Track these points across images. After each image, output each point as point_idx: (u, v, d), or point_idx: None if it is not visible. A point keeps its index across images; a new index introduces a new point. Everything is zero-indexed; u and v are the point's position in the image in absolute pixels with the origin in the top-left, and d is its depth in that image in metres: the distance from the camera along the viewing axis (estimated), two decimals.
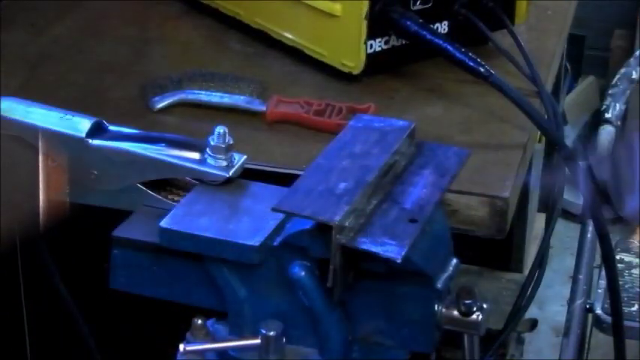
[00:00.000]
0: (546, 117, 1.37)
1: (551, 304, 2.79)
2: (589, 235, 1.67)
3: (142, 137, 1.10)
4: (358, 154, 1.03)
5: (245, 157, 1.08)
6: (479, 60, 1.38)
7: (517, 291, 1.36)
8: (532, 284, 1.33)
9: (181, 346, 0.99)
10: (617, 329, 1.46)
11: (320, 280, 0.97)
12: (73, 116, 1.11)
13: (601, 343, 2.21)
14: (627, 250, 2.04)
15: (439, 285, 0.99)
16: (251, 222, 1.00)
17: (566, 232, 3.00)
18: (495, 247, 1.51)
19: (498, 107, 1.40)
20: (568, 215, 2.94)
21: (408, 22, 1.43)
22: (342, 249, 0.93)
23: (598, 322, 1.81)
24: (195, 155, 1.07)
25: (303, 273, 0.98)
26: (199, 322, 1.01)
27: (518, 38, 1.53)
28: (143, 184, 1.09)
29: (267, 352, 0.98)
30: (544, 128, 1.30)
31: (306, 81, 1.51)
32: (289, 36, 1.55)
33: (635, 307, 1.85)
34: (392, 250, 0.91)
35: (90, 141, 1.09)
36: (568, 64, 3.04)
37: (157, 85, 1.43)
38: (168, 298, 1.06)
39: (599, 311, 1.81)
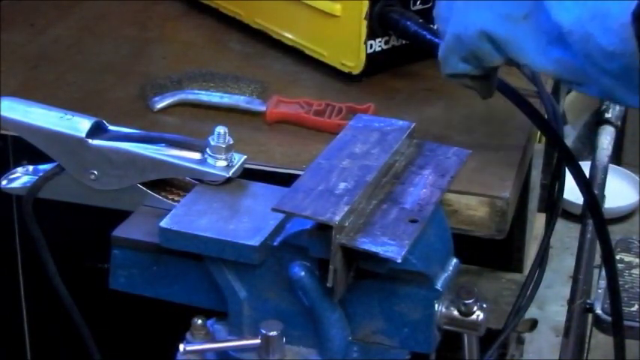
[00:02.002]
0: (546, 117, 1.37)
1: (551, 304, 2.78)
2: (589, 235, 1.66)
3: (142, 137, 1.10)
4: (358, 154, 1.03)
5: (245, 157, 1.08)
6: None
7: (517, 291, 1.35)
8: (532, 284, 1.32)
9: (181, 346, 0.99)
10: (617, 329, 1.45)
11: (320, 280, 0.97)
12: (73, 116, 1.11)
13: (601, 343, 2.21)
14: (627, 250, 2.04)
15: (439, 285, 0.99)
16: (251, 222, 1.00)
17: (566, 232, 3.00)
18: (495, 247, 1.51)
19: (498, 107, 1.40)
20: (568, 215, 2.94)
21: (408, 22, 1.43)
22: (342, 249, 0.93)
23: (598, 322, 1.81)
24: (196, 155, 1.07)
25: (303, 273, 0.98)
26: (199, 322, 1.01)
27: None
28: (143, 184, 1.09)
29: (267, 352, 0.98)
30: (544, 128, 1.30)
31: (306, 81, 1.51)
32: (289, 36, 1.55)
33: (635, 307, 1.85)
34: (392, 250, 0.91)
35: (90, 141, 1.09)
36: None
37: (156, 85, 1.43)
38: (168, 298, 1.06)
39: (599, 311, 1.80)
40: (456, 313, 0.99)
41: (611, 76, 1.04)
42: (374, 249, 0.92)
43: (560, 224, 2.83)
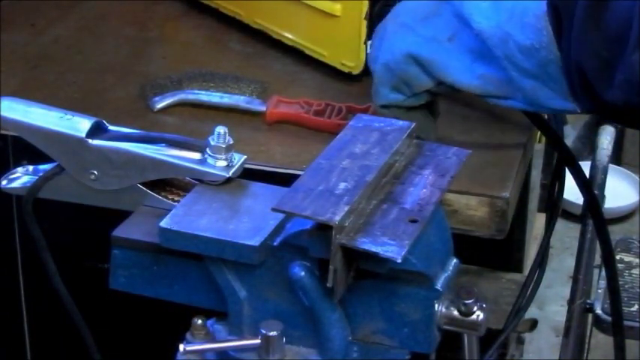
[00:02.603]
0: (546, 117, 1.37)
1: (551, 304, 2.79)
2: (589, 235, 1.66)
3: (142, 137, 1.10)
4: (358, 154, 1.03)
5: (245, 157, 1.08)
6: None
7: (517, 291, 1.35)
8: (532, 284, 1.32)
9: (181, 346, 0.99)
10: (617, 329, 1.45)
11: (320, 280, 0.97)
12: (73, 116, 1.11)
13: (601, 343, 2.21)
14: (627, 250, 2.04)
15: (439, 285, 0.99)
16: (251, 222, 1.00)
17: (566, 232, 3.00)
18: (495, 247, 1.51)
19: (498, 107, 1.40)
20: (568, 215, 2.94)
21: None
22: (342, 249, 0.93)
23: (598, 322, 1.81)
24: (196, 155, 1.07)
25: (303, 273, 0.98)
26: (199, 322, 1.01)
27: None
28: (143, 184, 1.09)
29: (267, 352, 0.98)
30: (544, 128, 1.30)
31: (306, 81, 1.51)
32: (289, 36, 1.55)
33: (635, 307, 1.85)
34: (392, 250, 0.91)
35: (90, 141, 1.09)
36: None
37: (157, 85, 1.43)
38: (168, 298, 1.06)
39: (599, 311, 1.81)
40: (456, 313, 0.99)
41: (531, 76, 1.07)
42: (374, 249, 0.92)
43: (560, 224, 2.83)
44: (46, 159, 1.11)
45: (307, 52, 1.52)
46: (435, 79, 1.15)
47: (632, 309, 1.85)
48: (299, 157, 1.30)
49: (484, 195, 1.24)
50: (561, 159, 1.36)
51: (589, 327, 1.86)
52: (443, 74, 1.14)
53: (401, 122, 1.10)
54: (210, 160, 1.06)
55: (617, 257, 1.98)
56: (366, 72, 1.46)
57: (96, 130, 1.10)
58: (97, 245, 1.13)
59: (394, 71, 1.17)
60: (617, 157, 3.31)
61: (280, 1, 1.53)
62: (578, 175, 1.29)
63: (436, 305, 0.98)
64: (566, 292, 1.77)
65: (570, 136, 3.31)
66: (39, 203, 1.12)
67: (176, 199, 1.09)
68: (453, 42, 1.12)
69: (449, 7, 1.12)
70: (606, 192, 1.72)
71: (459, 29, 1.11)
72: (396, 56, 1.16)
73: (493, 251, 1.84)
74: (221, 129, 1.06)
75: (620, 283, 1.78)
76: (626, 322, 1.67)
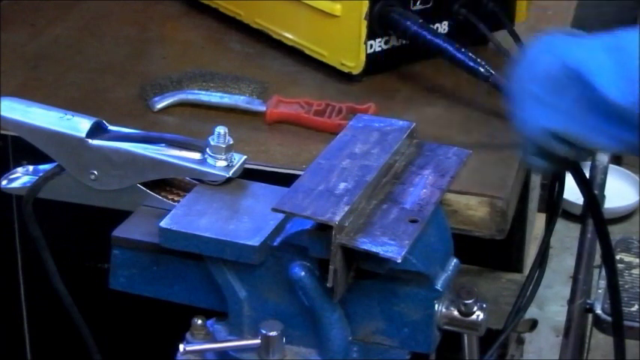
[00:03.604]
0: None
1: (551, 304, 2.78)
2: (589, 235, 1.67)
3: (142, 137, 1.10)
4: (358, 154, 1.04)
5: (245, 157, 1.08)
6: (479, 60, 1.38)
7: (517, 291, 1.35)
8: (532, 284, 1.32)
9: (181, 346, 1.00)
10: (617, 329, 1.45)
11: (320, 280, 0.97)
12: (73, 116, 1.11)
13: (601, 343, 2.21)
14: (627, 250, 2.04)
15: (439, 285, 0.99)
16: (251, 222, 1.00)
17: (566, 232, 2.99)
18: (495, 247, 1.51)
19: (498, 107, 1.40)
20: (568, 215, 2.94)
21: (408, 22, 1.43)
22: (342, 249, 0.93)
23: (598, 322, 1.81)
24: (195, 155, 1.07)
25: (303, 273, 0.98)
26: (199, 322, 1.01)
27: (519, 38, 1.53)
28: (143, 184, 1.09)
29: (267, 352, 0.98)
30: None
31: (306, 81, 1.51)
32: (289, 36, 1.55)
33: (635, 307, 1.85)
34: (392, 251, 0.91)
35: (90, 141, 1.09)
36: None
37: (156, 85, 1.43)
38: (168, 298, 1.06)
39: (599, 311, 1.80)
40: (456, 313, 0.99)
41: None
42: (374, 249, 0.92)
43: (560, 224, 2.83)
44: (46, 159, 1.11)
45: (307, 52, 1.52)
46: (574, 147, 1.15)
47: (632, 309, 1.85)
48: (299, 157, 1.30)
49: (484, 195, 1.24)
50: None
51: (589, 327, 1.86)
52: (582, 143, 1.14)
53: (401, 122, 1.10)
54: (210, 160, 1.06)
55: (617, 257, 1.98)
56: (366, 72, 1.47)
57: (96, 130, 1.10)
58: (97, 245, 1.13)
59: (535, 143, 1.17)
60: (617, 157, 3.31)
61: (280, 1, 1.53)
62: (578, 175, 1.28)
63: (436, 305, 0.98)
64: (566, 292, 1.77)
65: None
66: (39, 203, 1.12)
67: (176, 199, 1.09)
68: (586, 109, 1.11)
69: (575, 73, 1.11)
70: (606, 192, 1.73)
71: (591, 97, 1.10)
72: (533, 131, 1.16)
73: (493, 251, 1.84)
74: (221, 129, 1.06)
75: (620, 283, 1.78)
76: (626, 322, 1.67)
